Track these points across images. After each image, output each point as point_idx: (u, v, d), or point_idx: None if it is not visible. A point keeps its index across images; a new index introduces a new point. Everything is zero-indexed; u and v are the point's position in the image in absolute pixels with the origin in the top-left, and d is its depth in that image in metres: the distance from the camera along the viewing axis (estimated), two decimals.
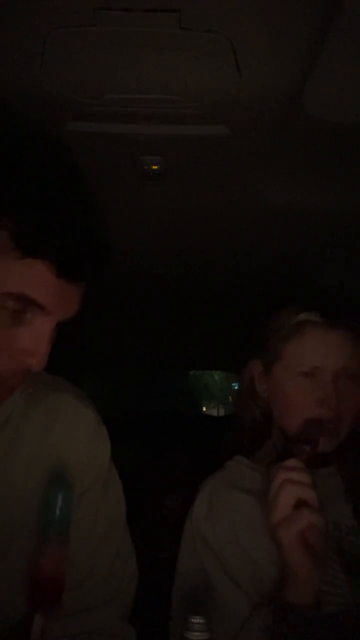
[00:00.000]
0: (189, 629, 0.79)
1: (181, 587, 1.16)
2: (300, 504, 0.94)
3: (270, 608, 1.00)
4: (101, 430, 1.00)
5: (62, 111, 0.87)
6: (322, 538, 0.96)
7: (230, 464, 1.25)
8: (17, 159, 0.77)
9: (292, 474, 0.96)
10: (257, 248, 1.38)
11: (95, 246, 0.78)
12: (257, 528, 1.13)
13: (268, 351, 1.22)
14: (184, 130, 0.91)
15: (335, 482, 1.17)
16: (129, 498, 1.05)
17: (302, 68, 0.75)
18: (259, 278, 1.52)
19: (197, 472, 1.24)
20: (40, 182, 0.75)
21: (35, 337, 0.76)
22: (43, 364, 0.77)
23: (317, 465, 1.10)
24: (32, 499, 0.87)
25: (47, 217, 0.73)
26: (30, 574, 0.80)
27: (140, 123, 0.89)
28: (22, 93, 0.82)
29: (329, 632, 0.98)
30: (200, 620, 0.79)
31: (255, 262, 1.45)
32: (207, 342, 2.40)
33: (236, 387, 1.35)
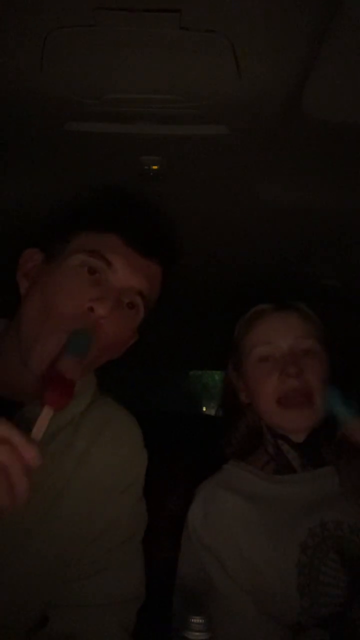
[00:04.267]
0: (189, 629, 0.79)
1: (181, 590, 1.16)
2: None
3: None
4: (143, 449, 1.07)
5: (62, 111, 0.87)
6: None
7: (226, 467, 1.25)
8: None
9: None
10: (257, 248, 1.38)
11: (156, 228, 1.02)
12: (253, 530, 1.12)
13: (237, 352, 1.24)
14: (184, 130, 0.90)
15: (334, 481, 1.17)
16: None
17: (302, 68, 0.75)
18: (259, 278, 1.51)
19: (197, 472, 1.24)
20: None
21: (102, 289, 0.93)
22: (106, 311, 0.91)
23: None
24: (74, 496, 0.96)
25: (119, 208, 1.03)
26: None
27: (140, 123, 0.89)
28: (22, 93, 0.82)
29: None
30: (200, 620, 0.79)
31: (255, 262, 1.45)
32: (207, 342, 2.39)
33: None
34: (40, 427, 0.79)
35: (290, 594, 1.05)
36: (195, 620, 0.79)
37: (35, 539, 0.91)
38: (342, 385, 1.17)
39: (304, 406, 1.14)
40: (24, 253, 1.03)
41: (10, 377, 0.95)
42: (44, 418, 0.79)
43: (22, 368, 0.91)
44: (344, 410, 1.07)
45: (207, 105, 0.83)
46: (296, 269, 1.48)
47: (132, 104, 0.84)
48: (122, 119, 0.89)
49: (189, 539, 1.17)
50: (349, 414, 1.07)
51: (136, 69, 0.76)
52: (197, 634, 0.78)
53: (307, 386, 1.14)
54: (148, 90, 0.81)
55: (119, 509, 1.00)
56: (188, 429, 1.92)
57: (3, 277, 1.04)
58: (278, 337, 1.18)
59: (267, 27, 0.69)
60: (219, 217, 1.23)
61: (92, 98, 0.82)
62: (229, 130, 0.90)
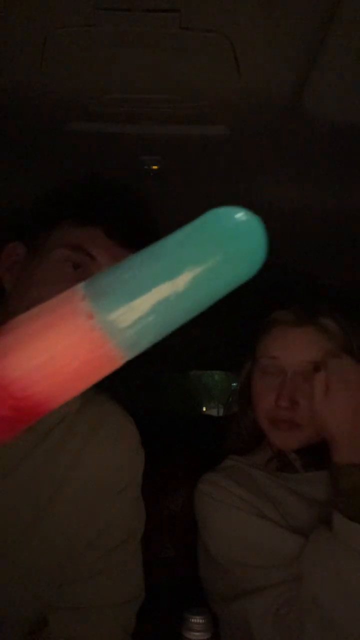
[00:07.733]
0: (189, 628, 0.79)
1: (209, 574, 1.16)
2: None
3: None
4: (140, 448, 1.06)
5: (62, 111, 0.87)
6: None
7: (228, 462, 1.25)
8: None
9: None
10: None
11: (137, 218, 1.00)
12: (252, 523, 1.12)
13: (255, 349, 1.24)
14: (184, 130, 0.90)
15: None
16: None
17: (302, 68, 0.75)
18: (259, 278, 1.51)
19: (197, 472, 1.24)
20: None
21: None
22: None
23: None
24: (69, 497, 0.94)
25: (99, 197, 1.01)
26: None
27: (140, 123, 0.89)
28: (22, 93, 0.82)
29: None
30: (200, 620, 0.79)
31: None
32: (207, 342, 2.39)
33: (236, 387, 1.35)
34: None
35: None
36: (195, 620, 0.79)
37: (30, 541, 0.91)
38: None
39: (292, 430, 1.13)
40: (6, 247, 1.01)
41: None
42: None
43: None
44: None
45: (207, 105, 0.83)
46: (296, 269, 1.48)
47: (132, 104, 0.84)
48: (122, 119, 0.89)
49: (209, 505, 1.16)
50: None
51: (136, 69, 0.76)
52: (197, 634, 0.78)
53: (297, 417, 1.11)
54: (148, 90, 0.81)
55: (116, 510, 0.99)
56: (188, 429, 1.91)
57: None
58: (285, 356, 1.14)
59: (267, 27, 0.69)
60: None
61: (92, 98, 0.82)
62: (229, 130, 0.90)
